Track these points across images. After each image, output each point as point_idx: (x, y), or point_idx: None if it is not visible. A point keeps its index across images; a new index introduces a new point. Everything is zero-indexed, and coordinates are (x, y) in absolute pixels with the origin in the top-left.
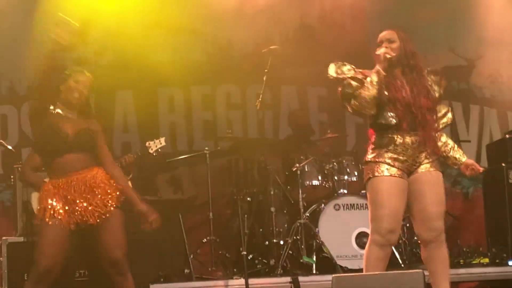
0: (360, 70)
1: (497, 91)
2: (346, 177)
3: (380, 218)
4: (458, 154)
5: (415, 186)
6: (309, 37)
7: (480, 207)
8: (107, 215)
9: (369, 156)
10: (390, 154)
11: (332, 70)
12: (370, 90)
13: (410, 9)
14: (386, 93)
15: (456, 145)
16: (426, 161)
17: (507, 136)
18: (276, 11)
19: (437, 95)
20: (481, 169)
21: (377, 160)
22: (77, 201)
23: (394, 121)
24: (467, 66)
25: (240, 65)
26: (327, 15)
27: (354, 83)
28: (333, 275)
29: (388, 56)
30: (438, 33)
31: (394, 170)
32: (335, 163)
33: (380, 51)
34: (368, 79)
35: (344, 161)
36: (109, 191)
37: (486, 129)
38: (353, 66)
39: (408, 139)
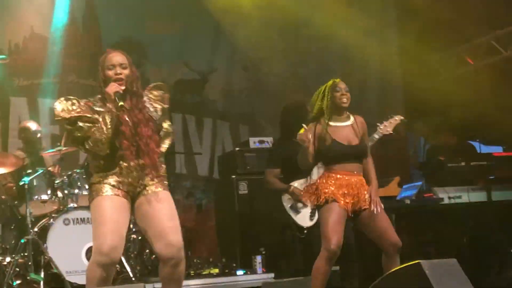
0: (84, 101)
1: (229, 105)
2: (76, 191)
3: (103, 234)
4: None
5: (145, 208)
6: (40, 48)
7: (213, 219)
8: None
9: (94, 179)
10: (115, 178)
11: (59, 108)
12: (104, 132)
13: (142, 22)
14: (121, 130)
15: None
16: (151, 182)
17: (237, 149)
18: (6, 21)
19: (159, 112)
20: None
21: (102, 182)
22: None
23: (120, 152)
24: (200, 80)
25: None
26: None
27: (85, 125)
28: None
29: (120, 92)
30: (172, 47)
31: (118, 191)
32: (65, 177)
33: (112, 87)
34: (102, 118)
35: (74, 175)
36: None
37: (219, 142)
38: (77, 99)
39: (132, 163)
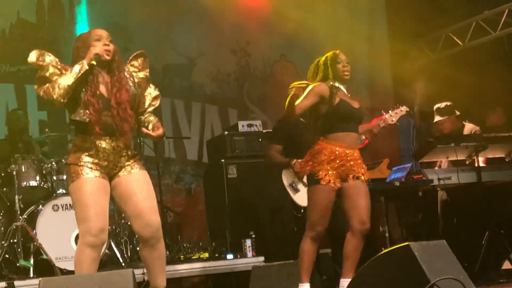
0: (61, 65)
1: (218, 88)
2: (65, 176)
3: (89, 218)
4: (151, 119)
5: (122, 188)
6: (27, 33)
7: (202, 203)
8: None
9: (70, 159)
10: (91, 159)
11: (33, 56)
12: (67, 78)
13: (128, 7)
14: (86, 89)
15: (154, 119)
16: (127, 163)
17: (226, 132)
18: None
19: (144, 83)
20: None
21: (79, 163)
22: None
23: (89, 118)
24: (188, 64)
25: None
26: (44, 11)
27: (53, 69)
28: (41, 278)
29: (106, 57)
30: (159, 31)
31: (96, 173)
32: (54, 163)
33: (97, 49)
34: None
35: (63, 161)
36: None
37: (208, 126)
38: (56, 59)
39: (109, 145)
